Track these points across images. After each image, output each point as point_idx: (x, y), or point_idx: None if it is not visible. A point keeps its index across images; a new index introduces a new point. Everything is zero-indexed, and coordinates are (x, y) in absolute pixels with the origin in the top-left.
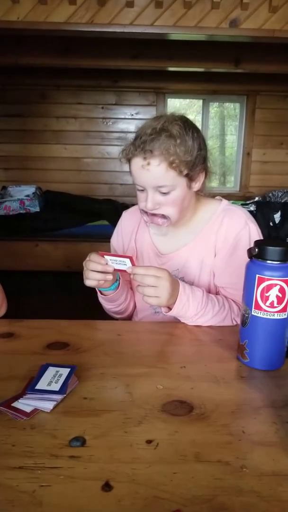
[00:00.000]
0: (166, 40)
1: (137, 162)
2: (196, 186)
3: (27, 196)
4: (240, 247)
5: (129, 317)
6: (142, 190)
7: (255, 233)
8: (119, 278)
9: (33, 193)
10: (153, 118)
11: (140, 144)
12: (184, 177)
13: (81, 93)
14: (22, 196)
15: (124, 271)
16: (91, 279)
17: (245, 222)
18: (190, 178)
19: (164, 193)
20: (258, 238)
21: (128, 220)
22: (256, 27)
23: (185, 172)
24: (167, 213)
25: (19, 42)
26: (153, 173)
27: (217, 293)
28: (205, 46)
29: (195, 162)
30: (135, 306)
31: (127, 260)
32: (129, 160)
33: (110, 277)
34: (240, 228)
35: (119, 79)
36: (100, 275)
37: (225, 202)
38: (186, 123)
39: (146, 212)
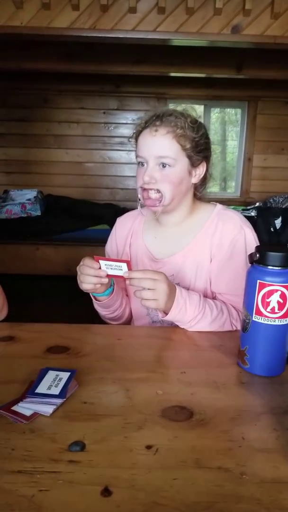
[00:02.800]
0: (168, 46)
1: (146, 132)
2: (196, 177)
3: (29, 200)
4: (236, 252)
5: (126, 324)
6: (143, 165)
7: (251, 238)
8: (113, 283)
9: (34, 197)
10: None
11: (153, 117)
12: (187, 157)
13: (83, 98)
14: (23, 200)
15: (119, 277)
16: (87, 283)
17: (240, 227)
18: (192, 162)
19: (164, 168)
20: (253, 243)
21: (122, 226)
22: (258, 33)
23: (189, 149)
24: (162, 188)
25: (22, 47)
26: (158, 141)
27: (214, 298)
28: (207, 52)
29: (200, 144)
30: (131, 313)
31: (124, 265)
32: (138, 136)
33: (105, 280)
34: (235, 232)
35: (121, 84)
36: (96, 278)
37: (219, 206)
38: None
39: (142, 192)
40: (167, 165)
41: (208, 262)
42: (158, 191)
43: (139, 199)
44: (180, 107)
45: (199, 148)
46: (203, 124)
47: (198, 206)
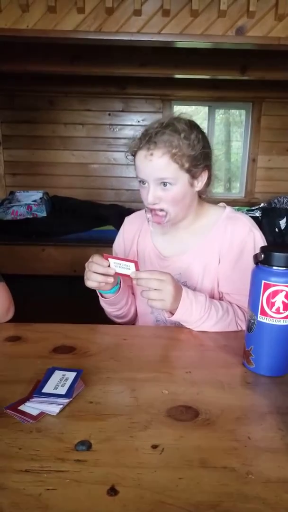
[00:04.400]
0: (173, 48)
1: (141, 154)
2: (199, 185)
3: (35, 201)
4: (245, 253)
5: (131, 322)
6: (144, 185)
7: (260, 240)
8: (120, 281)
9: (40, 198)
10: (162, 117)
11: (146, 136)
12: (186, 172)
13: (88, 100)
14: (29, 201)
15: (127, 275)
16: (92, 280)
17: (249, 229)
18: (192, 175)
19: (165, 187)
20: (262, 245)
21: (130, 225)
22: (262, 35)
23: (187, 166)
24: (166, 207)
25: (28, 49)
26: (156, 164)
27: (220, 299)
28: (212, 53)
29: (198, 158)
30: (136, 311)
31: (132, 265)
32: (134, 155)
33: (111, 279)
34: (244, 235)
35: (127, 86)
36: (101, 277)
37: (229, 209)
38: (191, 123)
39: (150, 211)
40: (168, 184)
41: (216, 263)
42: (163, 210)
43: (148, 218)
44: (175, 115)
45: (198, 162)
46: (199, 129)
47: (207, 209)
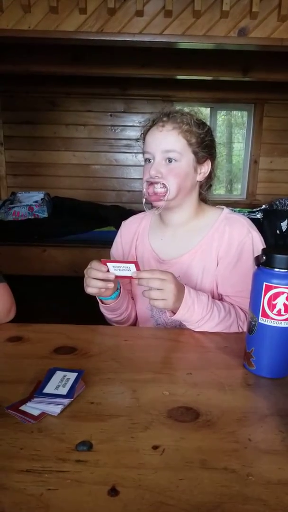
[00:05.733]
0: (175, 49)
1: (153, 129)
2: (201, 175)
3: (36, 202)
4: (244, 255)
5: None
6: (149, 161)
7: (258, 241)
8: (120, 287)
9: (41, 199)
10: None
11: (160, 115)
12: (192, 153)
13: (90, 101)
14: (31, 202)
15: (127, 277)
16: (92, 287)
17: (247, 230)
18: (197, 159)
19: (170, 163)
20: (261, 246)
21: (127, 228)
22: (265, 36)
23: (194, 143)
24: (167, 182)
25: (30, 50)
26: (165, 136)
27: (220, 300)
28: (214, 54)
29: (205, 140)
30: (137, 316)
31: (132, 266)
32: (146, 134)
33: (111, 284)
34: (243, 236)
35: (128, 87)
36: (101, 282)
37: (226, 210)
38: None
39: (148, 186)
40: (173, 160)
41: (214, 265)
42: (164, 185)
43: (144, 195)
44: (186, 108)
45: (204, 143)
46: (208, 125)
47: (205, 209)
